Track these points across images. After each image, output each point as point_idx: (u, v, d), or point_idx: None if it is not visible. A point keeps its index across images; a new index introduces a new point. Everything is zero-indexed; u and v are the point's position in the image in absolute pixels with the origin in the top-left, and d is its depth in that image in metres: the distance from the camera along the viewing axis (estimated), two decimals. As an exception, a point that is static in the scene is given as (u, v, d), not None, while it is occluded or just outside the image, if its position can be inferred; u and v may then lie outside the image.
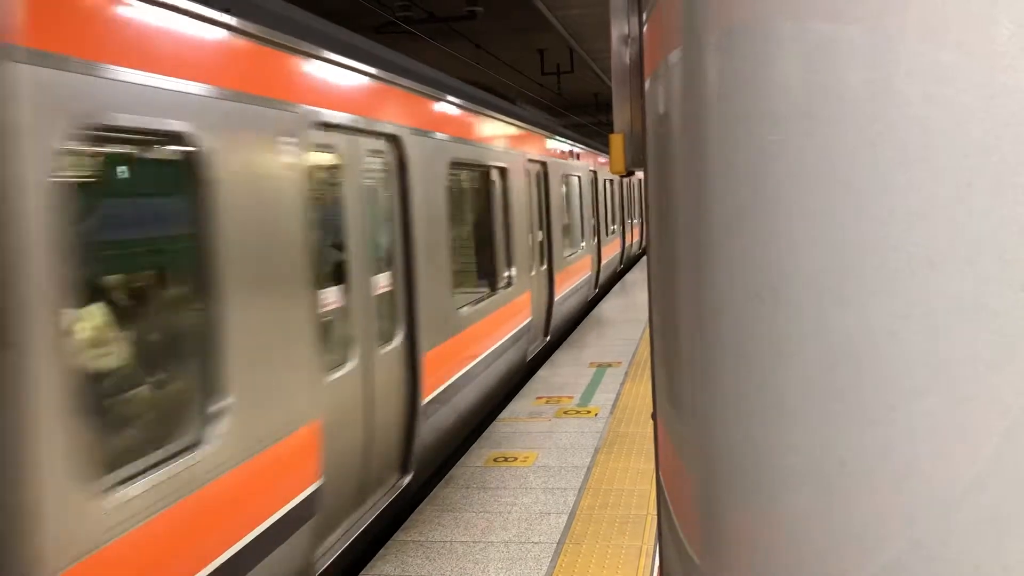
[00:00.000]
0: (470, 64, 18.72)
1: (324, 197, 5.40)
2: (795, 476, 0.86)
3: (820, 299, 0.83)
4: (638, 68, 1.37)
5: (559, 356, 12.04)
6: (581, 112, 32.26)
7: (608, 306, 17.03)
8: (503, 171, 10.49)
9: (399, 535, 5.98)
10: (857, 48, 0.80)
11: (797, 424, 0.86)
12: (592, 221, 17.50)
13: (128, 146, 3.73)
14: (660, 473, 1.29)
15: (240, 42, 4.36)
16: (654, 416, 1.34)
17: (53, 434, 2.97)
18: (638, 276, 22.63)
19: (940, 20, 0.77)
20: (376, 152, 6.47)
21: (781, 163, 0.85)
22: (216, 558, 3.91)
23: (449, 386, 7.42)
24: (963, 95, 0.76)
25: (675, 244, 1.04)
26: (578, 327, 14.48)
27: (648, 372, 11.01)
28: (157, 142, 3.85)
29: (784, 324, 0.86)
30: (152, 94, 3.61)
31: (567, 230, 14.53)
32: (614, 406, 9.13)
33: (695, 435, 1.01)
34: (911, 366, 0.78)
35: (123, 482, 3.37)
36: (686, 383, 1.04)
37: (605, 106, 31.52)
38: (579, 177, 16.12)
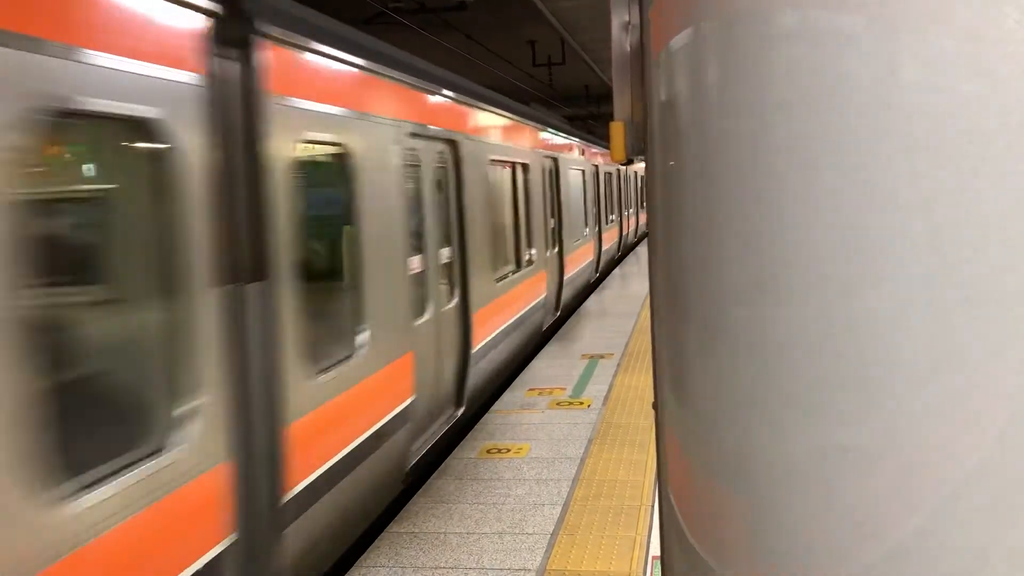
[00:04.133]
0: (462, 56, 18.67)
1: None
2: (799, 464, 0.86)
3: (824, 287, 0.83)
4: (639, 56, 1.36)
5: (551, 348, 12.05)
6: (573, 104, 32.22)
7: (600, 299, 17.05)
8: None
9: (392, 527, 5.98)
10: (861, 35, 0.80)
11: (800, 412, 0.86)
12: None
13: None
14: (661, 463, 1.29)
15: None
16: (655, 405, 1.33)
17: None
18: (630, 270, 22.65)
19: (945, 8, 0.76)
20: None
21: (785, 151, 0.85)
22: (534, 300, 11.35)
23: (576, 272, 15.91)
24: (968, 82, 0.76)
25: (677, 233, 1.04)
26: (569, 319, 14.51)
27: (642, 364, 11.02)
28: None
29: (787, 312, 0.86)
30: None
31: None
32: (607, 397, 9.14)
33: (698, 424, 1.01)
34: (915, 354, 0.78)
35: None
36: (689, 371, 1.04)
37: (596, 98, 31.48)
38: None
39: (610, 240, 21.79)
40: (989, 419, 0.76)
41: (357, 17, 14.17)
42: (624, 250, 25.89)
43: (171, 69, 3.64)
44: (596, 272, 18.91)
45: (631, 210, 26.98)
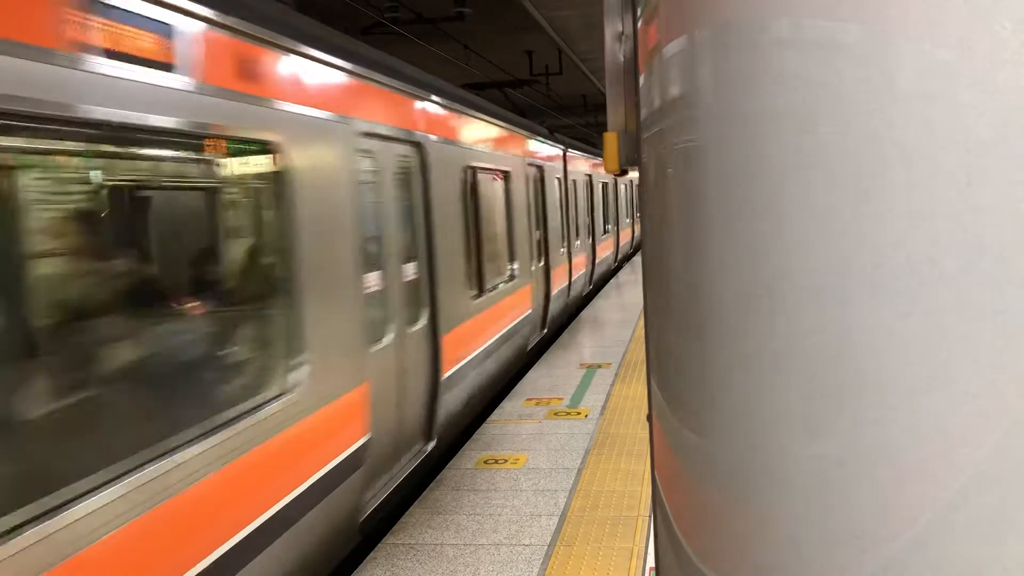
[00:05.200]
0: (459, 65, 18.70)
1: None
2: (795, 476, 0.85)
3: (819, 298, 0.82)
4: (632, 66, 1.36)
5: (549, 357, 12.03)
6: (570, 114, 32.26)
7: (597, 307, 17.05)
8: None
9: (389, 538, 5.96)
10: (855, 44, 0.79)
11: (796, 424, 0.85)
12: None
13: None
14: (656, 475, 1.28)
15: None
16: (649, 417, 1.33)
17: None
18: (628, 278, 22.67)
19: (940, 17, 0.76)
20: None
21: (778, 161, 0.84)
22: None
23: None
24: (963, 92, 0.75)
25: (671, 243, 1.03)
26: (567, 328, 14.51)
27: (639, 373, 11.01)
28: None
29: (782, 323, 0.85)
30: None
31: None
32: (604, 407, 9.13)
33: (693, 436, 1.01)
34: (911, 365, 0.78)
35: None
36: (683, 383, 1.03)
37: (594, 108, 31.54)
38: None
39: (624, 239, 27.70)
40: (986, 431, 0.76)
41: (353, 27, 14.17)
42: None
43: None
44: (615, 262, 24.90)
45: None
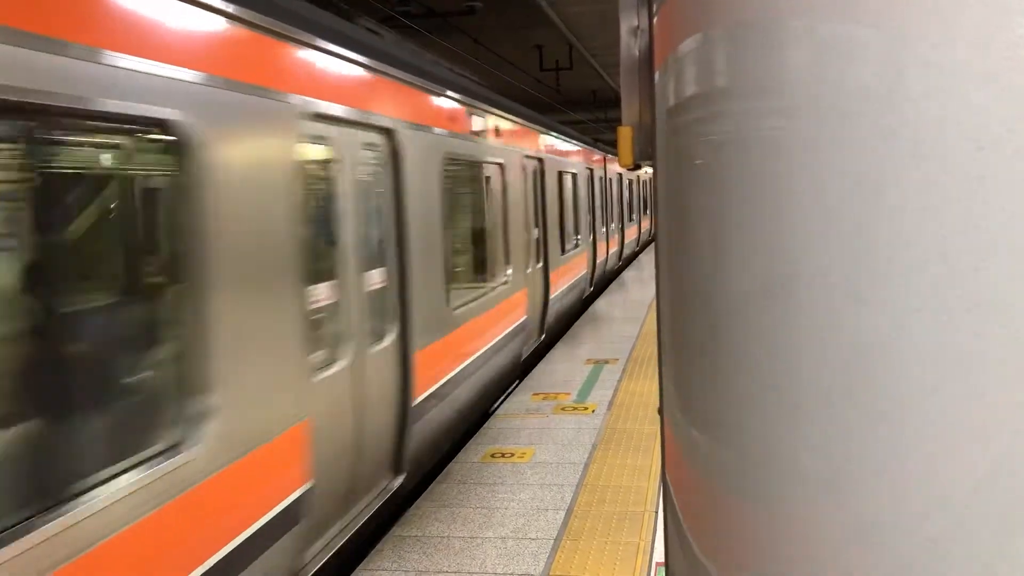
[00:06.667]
0: (469, 60, 18.70)
1: None
2: (805, 474, 0.86)
3: (831, 295, 0.82)
4: (647, 61, 1.36)
5: (556, 353, 12.04)
6: (580, 109, 32.23)
7: (605, 303, 17.04)
8: None
9: (396, 530, 5.98)
10: (870, 42, 0.79)
11: (807, 421, 0.85)
12: None
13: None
14: (667, 470, 1.29)
15: None
16: (661, 411, 1.33)
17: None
18: (634, 274, 22.64)
19: (954, 15, 0.76)
20: None
21: (792, 158, 0.85)
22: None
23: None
24: (977, 90, 0.75)
25: (685, 239, 1.03)
26: (574, 324, 14.51)
27: (646, 369, 11.00)
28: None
29: (795, 320, 0.86)
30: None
31: None
32: (611, 403, 9.13)
33: (704, 432, 1.01)
34: (923, 363, 0.78)
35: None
36: (695, 379, 1.03)
37: (604, 103, 31.50)
38: None
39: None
40: (997, 428, 0.76)
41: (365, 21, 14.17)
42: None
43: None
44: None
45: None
